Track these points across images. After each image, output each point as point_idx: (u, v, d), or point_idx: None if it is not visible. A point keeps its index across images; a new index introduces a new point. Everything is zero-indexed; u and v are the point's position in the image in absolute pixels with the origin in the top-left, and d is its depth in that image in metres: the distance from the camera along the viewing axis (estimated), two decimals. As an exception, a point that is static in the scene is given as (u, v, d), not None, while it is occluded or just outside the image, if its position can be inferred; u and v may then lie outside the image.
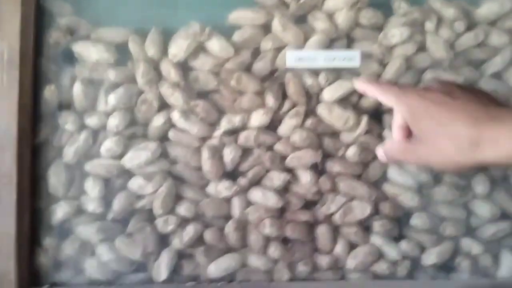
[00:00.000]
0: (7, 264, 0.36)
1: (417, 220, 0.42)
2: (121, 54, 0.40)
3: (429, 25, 0.43)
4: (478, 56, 0.45)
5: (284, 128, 0.42)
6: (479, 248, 0.42)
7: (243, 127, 0.42)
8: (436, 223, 0.42)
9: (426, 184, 0.43)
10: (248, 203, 0.41)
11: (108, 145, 0.39)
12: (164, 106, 0.41)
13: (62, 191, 0.39)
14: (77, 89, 0.39)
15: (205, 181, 0.41)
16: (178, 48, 0.40)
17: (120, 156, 0.40)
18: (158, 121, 0.40)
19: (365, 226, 0.42)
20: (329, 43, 0.43)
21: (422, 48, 0.44)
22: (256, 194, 0.41)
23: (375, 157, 0.43)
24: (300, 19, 0.43)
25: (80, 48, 0.40)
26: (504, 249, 0.43)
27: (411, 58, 0.43)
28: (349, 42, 0.44)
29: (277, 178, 0.41)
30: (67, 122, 0.39)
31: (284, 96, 0.42)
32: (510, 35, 0.44)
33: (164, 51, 0.41)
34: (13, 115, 0.36)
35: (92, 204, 0.39)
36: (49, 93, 0.38)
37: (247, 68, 0.43)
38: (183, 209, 0.40)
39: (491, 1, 0.45)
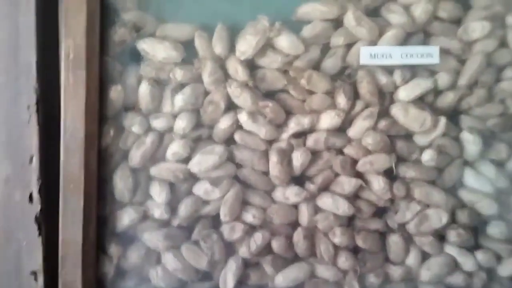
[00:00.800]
0: (73, 272, 0.36)
1: (494, 229, 0.42)
2: (187, 51, 0.39)
3: (511, 19, 0.42)
4: None
5: (355, 130, 0.41)
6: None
7: (313, 129, 0.41)
8: (516, 232, 0.42)
9: (504, 190, 0.42)
10: (317, 210, 0.41)
11: (174, 148, 0.39)
12: (231, 106, 0.40)
13: (128, 196, 0.39)
14: (144, 90, 0.39)
15: (272, 186, 0.41)
16: (247, 44, 0.39)
17: (186, 160, 0.40)
18: (224, 123, 0.40)
19: (439, 236, 0.41)
20: (405, 38, 0.41)
21: (503, 43, 0.42)
22: (325, 201, 0.40)
23: (451, 161, 0.42)
24: (373, 13, 0.42)
25: (146, 46, 0.39)
26: None
27: (492, 54, 0.42)
28: (426, 37, 0.42)
29: (347, 183, 0.41)
30: (134, 124, 0.39)
31: (356, 95, 0.41)
32: None
33: (231, 48, 0.40)
34: (80, 118, 0.36)
35: (158, 210, 0.39)
36: (115, 94, 0.38)
37: (316, 66, 0.42)
38: (250, 216, 0.40)
39: None
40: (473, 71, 0.40)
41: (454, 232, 0.40)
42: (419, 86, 0.40)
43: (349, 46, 0.41)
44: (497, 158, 0.41)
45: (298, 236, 0.39)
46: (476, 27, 0.40)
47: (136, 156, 0.39)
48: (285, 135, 0.40)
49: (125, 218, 0.39)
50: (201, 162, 0.38)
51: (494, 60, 0.42)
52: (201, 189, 0.39)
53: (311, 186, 0.40)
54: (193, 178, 0.40)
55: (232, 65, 0.39)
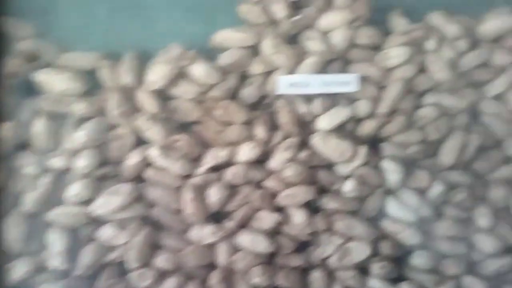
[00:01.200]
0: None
1: (418, 259, 0.42)
2: (91, 82, 0.37)
3: (430, 44, 0.43)
4: (481, 77, 0.44)
5: (275, 162, 0.40)
6: (482, 287, 0.43)
7: (230, 162, 0.40)
8: (438, 261, 0.42)
9: (427, 218, 0.42)
10: (236, 249, 0.40)
11: (75, 189, 0.37)
12: (140, 141, 0.38)
13: (21, 246, 0.36)
14: (39, 126, 0.36)
15: (187, 226, 0.40)
16: (157, 74, 0.38)
17: (89, 202, 0.37)
18: (133, 159, 0.38)
19: (362, 269, 0.41)
20: (324, 66, 0.41)
21: (422, 69, 0.43)
22: (244, 238, 0.40)
23: (373, 191, 0.42)
24: (292, 39, 0.41)
25: (44, 77, 0.37)
26: (507, 285, 0.44)
27: (411, 80, 0.42)
28: (346, 64, 0.42)
29: (267, 219, 0.40)
30: (28, 164, 0.36)
31: (275, 126, 0.40)
32: (512, 54, 0.44)
33: (140, 79, 0.38)
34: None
35: (56, 260, 0.37)
36: (6, 131, 0.35)
37: (234, 95, 0.41)
38: (161, 260, 0.38)
39: (495, 17, 0.44)
40: (393, 98, 0.41)
41: (377, 265, 0.40)
42: (338, 115, 0.40)
43: (268, 74, 0.40)
44: (418, 186, 0.41)
45: (215, 279, 0.38)
46: (394, 53, 0.40)
47: (30, 200, 0.36)
48: (201, 170, 0.38)
49: (18, 271, 0.35)
50: (106, 203, 0.37)
51: (414, 86, 0.41)
52: (106, 233, 0.37)
53: (229, 223, 0.38)
54: (96, 222, 0.37)
55: (141, 96, 0.37)
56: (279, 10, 0.42)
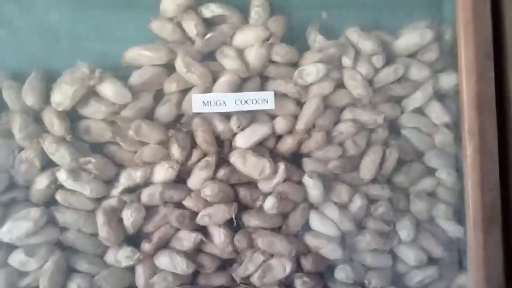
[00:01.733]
0: None
1: (341, 273, 0.44)
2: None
3: (346, 60, 0.45)
4: (398, 92, 0.46)
5: (193, 181, 0.42)
6: (406, 298, 0.45)
7: (146, 183, 0.41)
8: (361, 274, 0.44)
9: (348, 232, 0.44)
10: (155, 271, 0.40)
11: None
12: (48, 164, 0.39)
13: None
14: None
15: (102, 249, 0.40)
16: (63, 95, 0.39)
17: None
18: (41, 182, 0.39)
19: (286, 285, 0.42)
20: (241, 83, 0.42)
21: (339, 85, 0.45)
22: (162, 260, 0.41)
23: (295, 207, 0.43)
24: (208, 56, 0.43)
25: None
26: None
27: (329, 97, 0.44)
28: (263, 81, 0.44)
29: (187, 239, 0.42)
30: None
31: (192, 144, 0.42)
32: (431, 68, 0.46)
33: (46, 99, 0.39)
34: None
35: None
36: None
37: (149, 114, 0.42)
38: (75, 285, 0.38)
39: (411, 32, 0.47)
40: (310, 115, 0.43)
41: (300, 281, 0.41)
42: (256, 132, 0.42)
43: (183, 92, 0.42)
44: (340, 201, 0.43)
45: (133, 302, 0.39)
46: (311, 70, 0.42)
47: None
48: (115, 192, 0.39)
49: None
50: (13, 229, 0.37)
51: (332, 102, 0.43)
52: (16, 259, 0.38)
53: (146, 246, 0.39)
54: (6, 248, 0.37)
55: (47, 118, 0.39)
56: (192, 28, 0.43)
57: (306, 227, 0.48)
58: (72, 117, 0.43)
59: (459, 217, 0.51)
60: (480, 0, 0.50)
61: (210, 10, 0.46)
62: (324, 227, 0.48)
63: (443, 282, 0.51)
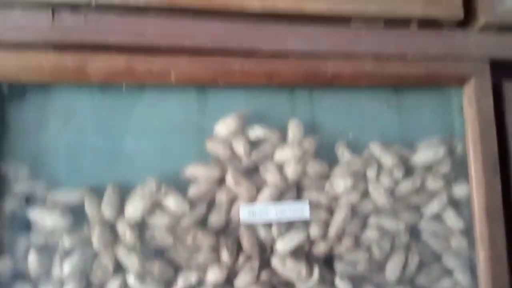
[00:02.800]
0: None
1: None
2: (78, 215, 0.49)
3: (370, 173, 0.56)
4: (416, 201, 0.57)
5: (239, 283, 0.52)
6: None
7: (200, 283, 0.51)
8: None
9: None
10: None
11: None
12: (119, 269, 0.49)
13: None
14: (32, 258, 0.47)
15: None
16: (135, 208, 0.50)
17: None
18: (113, 285, 0.48)
19: None
20: (280, 195, 0.53)
21: (365, 194, 0.56)
22: None
23: (329, 306, 0.53)
24: (253, 170, 0.54)
25: (36, 215, 0.48)
26: None
27: (356, 206, 0.55)
28: (299, 191, 0.55)
29: None
30: None
31: (239, 249, 0.52)
32: (444, 180, 0.57)
33: (120, 210, 0.51)
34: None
35: None
36: (3, 264, 0.46)
37: (203, 221, 0.52)
38: None
39: (426, 148, 0.59)
40: (340, 222, 0.53)
41: None
42: (293, 238, 0.52)
43: (231, 202, 0.52)
44: None
45: None
46: (340, 182, 0.53)
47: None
48: (173, 292, 0.49)
49: None
50: None
51: (359, 210, 0.54)
52: None
53: None
54: None
55: (121, 228, 0.49)
56: (240, 148, 0.55)
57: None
58: (140, 225, 0.55)
59: (476, 315, 0.60)
60: (486, 120, 0.62)
61: (255, 133, 0.59)
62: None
63: None
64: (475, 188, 0.59)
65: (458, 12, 0.61)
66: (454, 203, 0.61)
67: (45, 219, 0.50)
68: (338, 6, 0.58)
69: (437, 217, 0.61)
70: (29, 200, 0.51)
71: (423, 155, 0.60)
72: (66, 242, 0.50)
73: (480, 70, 0.62)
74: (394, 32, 0.60)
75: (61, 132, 0.54)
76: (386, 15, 0.60)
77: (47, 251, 0.51)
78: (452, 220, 0.60)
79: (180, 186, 0.55)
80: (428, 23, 0.61)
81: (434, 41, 0.61)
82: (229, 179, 0.55)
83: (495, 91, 0.63)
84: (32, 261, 0.49)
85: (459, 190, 0.60)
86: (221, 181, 0.56)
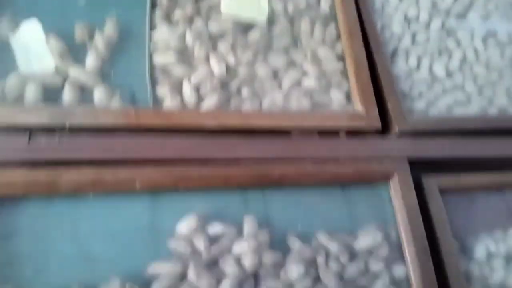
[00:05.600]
0: None
1: None
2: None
3: (320, 260, 0.58)
4: (363, 283, 0.58)
5: None
6: None
7: None
8: None
9: None
10: None
11: None
12: None
13: None
14: None
15: None
16: None
17: None
18: None
19: None
20: (239, 284, 0.54)
21: (317, 279, 0.57)
22: None
23: None
24: (213, 263, 0.55)
25: None
26: None
27: (311, 289, 0.56)
28: (257, 280, 0.56)
29: None
30: None
31: None
32: (384, 262, 0.59)
33: None
34: None
35: None
36: None
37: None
38: None
39: (365, 234, 0.62)
40: (297, 308, 0.53)
41: None
42: None
43: (194, 296, 0.52)
44: None
45: None
46: (293, 269, 0.54)
47: None
48: None
49: None
50: None
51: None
52: None
53: None
54: None
55: None
56: (200, 243, 0.56)
57: None
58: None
59: None
60: (412, 208, 0.67)
61: (214, 229, 0.61)
62: None
63: None
64: (412, 270, 0.62)
65: (376, 123, 0.70)
66: (395, 283, 0.62)
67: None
68: (280, 122, 0.65)
69: (383, 301, 0.61)
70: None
71: (363, 241, 0.64)
72: None
73: (401, 168, 0.69)
74: (327, 141, 0.67)
75: (30, 239, 0.54)
76: (319, 128, 0.67)
77: None
78: (396, 299, 0.61)
79: (144, 284, 0.54)
80: (354, 133, 0.69)
81: (360, 147, 0.68)
82: (191, 273, 0.55)
83: (418, 184, 0.69)
84: None
85: (398, 271, 0.63)
86: (183, 276, 0.56)
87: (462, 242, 0.73)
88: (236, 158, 0.63)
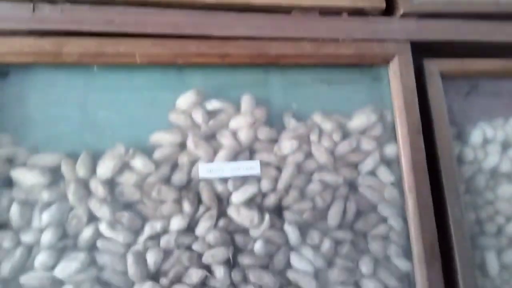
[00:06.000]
0: None
1: (316, 301, 0.55)
2: (55, 176, 0.52)
3: (313, 137, 0.60)
4: (354, 159, 0.61)
5: (199, 230, 0.54)
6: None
7: (164, 231, 0.54)
8: (332, 302, 0.56)
9: (321, 268, 0.56)
10: (171, 300, 0.52)
11: (41, 258, 0.49)
12: (92, 219, 0.52)
13: (-3, 305, 0.48)
14: (14, 210, 0.50)
15: (131, 284, 0.52)
16: (105, 168, 0.53)
17: (52, 267, 0.50)
18: (87, 233, 0.51)
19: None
20: (235, 156, 0.57)
21: (309, 155, 0.60)
22: None
23: (278, 249, 0.56)
24: (211, 136, 0.58)
25: (18, 174, 0.51)
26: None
27: (301, 164, 0.59)
28: (251, 154, 0.59)
29: (195, 275, 0.53)
30: (4, 240, 0.49)
31: (199, 202, 0.55)
32: (376, 141, 0.61)
33: (93, 171, 0.53)
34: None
35: None
36: None
37: (167, 180, 0.56)
38: None
39: (360, 115, 0.63)
40: (288, 177, 0.57)
41: (284, 307, 0.53)
42: (247, 191, 0.55)
43: (192, 163, 0.56)
44: (312, 243, 0.55)
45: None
46: (286, 144, 0.57)
47: (6, 268, 0.48)
48: (141, 239, 0.52)
49: None
50: (65, 268, 0.49)
51: (304, 168, 0.58)
52: None
53: (164, 280, 0.51)
54: (58, 283, 0.49)
55: (93, 185, 0.52)
56: (199, 117, 0.58)
57: (288, 264, 0.61)
58: (110, 183, 0.58)
59: (407, 255, 0.64)
60: (409, 90, 0.67)
61: (212, 104, 0.63)
62: (301, 264, 0.60)
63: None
64: (402, 147, 0.64)
65: (380, 3, 0.67)
66: (386, 161, 0.65)
67: (26, 177, 0.53)
68: (280, 0, 0.63)
69: (372, 173, 0.64)
70: (11, 161, 0.53)
71: (357, 121, 0.65)
72: (44, 196, 0.52)
73: (402, 50, 0.67)
74: (327, 21, 0.65)
75: (41, 105, 0.57)
76: (321, 7, 0.65)
77: (28, 205, 0.53)
78: (385, 175, 0.64)
79: (147, 151, 0.58)
80: (357, 13, 0.66)
81: (362, 27, 0.66)
82: (190, 143, 0.58)
83: (419, 69, 0.68)
84: (14, 213, 0.51)
85: (389, 150, 0.65)
86: (182, 146, 0.59)
87: (461, 128, 0.73)
88: (234, 36, 0.62)
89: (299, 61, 0.65)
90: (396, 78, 0.67)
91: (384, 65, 0.68)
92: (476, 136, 0.71)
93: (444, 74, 0.69)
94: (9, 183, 0.54)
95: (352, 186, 0.64)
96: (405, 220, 0.63)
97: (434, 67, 0.69)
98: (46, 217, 0.53)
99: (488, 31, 0.70)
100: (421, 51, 0.69)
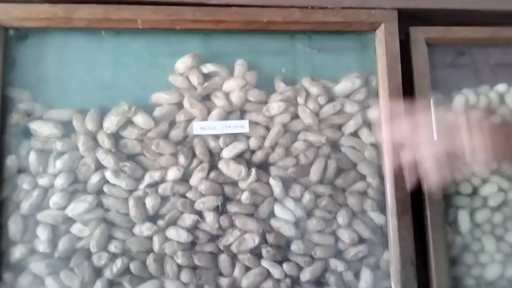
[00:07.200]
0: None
1: (295, 246, 0.62)
2: (67, 128, 0.59)
3: (300, 100, 0.65)
4: (337, 121, 0.66)
5: (193, 180, 0.61)
6: (343, 266, 0.62)
7: (162, 180, 0.61)
8: (310, 248, 0.62)
9: (301, 218, 0.62)
10: (166, 240, 0.59)
11: (55, 199, 0.57)
12: (99, 167, 0.59)
13: (19, 236, 0.56)
14: (32, 157, 0.57)
15: (132, 224, 0.59)
16: (111, 122, 0.60)
17: (65, 207, 0.58)
18: (94, 179, 0.59)
19: (256, 253, 0.60)
20: (226, 115, 0.63)
21: (295, 116, 0.65)
22: (171, 232, 0.59)
23: (263, 200, 0.62)
24: (206, 97, 0.63)
25: (35, 126, 0.58)
26: (363, 266, 0.63)
27: (288, 124, 0.64)
28: (242, 114, 0.64)
29: (188, 219, 0.60)
30: (24, 182, 0.57)
31: (193, 155, 0.62)
32: (359, 105, 0.66)
33: (100, 125, 0.60)
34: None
35: (42, 246, 0.56)
36: (10, 161, 0.56)
37: (165, 135, 0.62)
38: (113, 247, 0.58)
39: (346, 80, 0.67)
40: (274, 136, 0.62)
41: (265, 250, 0.59)
42: (236, 147, 0.61)
43: (188, 121, 0.62)
44: (295, 196, 0.62)
45: (150, 260, 0.57)
46: (274, 106, 0.62)
47: (25, 206, 0.56)
48: (141, 186, 0.59)
49: (17, 252, 0.55)
50: (75, 208, 0.56)
51: (290, 128, 0.63)
52: (76, 228, 0.57)
53: (161, 222, 0.58)
54: (70, 221, 0.57)
55: (100, 137, 0.59)
56: (195, 79, 0.64)
57: (271, 213, 0.67)
58: (115, 137, 0.65)
59: (382, 209, 0.69)
60: (392, 57, 0.71)
61: (207, 68, 0.68)
62: (283, 214, 0.66)
63: (374, 257, 0.69)
64: (383, 111, 0.67)
65: (369, -29, 0.69)
66: (368, 124, 0.69)
67: (42, 129, 0.60)
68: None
69: (355, 134, 0.69)
70: (30, 115, 0.61)
71: (343, 85, 0.69)
72: (58, 146, 0.60)
73: (389, 17, 0.70)
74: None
75: (55, 66, 0.64)
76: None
77: (44, 153, 0.61)
78: (366, 136, 0.68)
79: (148, 109, 0.64)
80: (347, -19, 0.69)
81: (350, -5, 0.69)
82: (186, 103, 0.64)
83: (407, 38, 0.71)
84: (32, 160, 0.59)
85: (371, 113, 0.69)
86: (180, 105, 0.65)
87: (446, 94, 0.76)
88: (227, 3, 0.67)
89: (289, 27, 0.69)
90: (381, 45, 0.70)
91: (371, 32, 0.71)
92: (458, 102, 0.74)
93: (430, 41, 0.72)
94: (28, 134, 0.61)
95: (335, 145, 0.69)
96: (382, 178, 0.68)
97: (419, 34, 0.71)
98: (59, 164, 0.60)
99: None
100: (410, 19, 0.72)
